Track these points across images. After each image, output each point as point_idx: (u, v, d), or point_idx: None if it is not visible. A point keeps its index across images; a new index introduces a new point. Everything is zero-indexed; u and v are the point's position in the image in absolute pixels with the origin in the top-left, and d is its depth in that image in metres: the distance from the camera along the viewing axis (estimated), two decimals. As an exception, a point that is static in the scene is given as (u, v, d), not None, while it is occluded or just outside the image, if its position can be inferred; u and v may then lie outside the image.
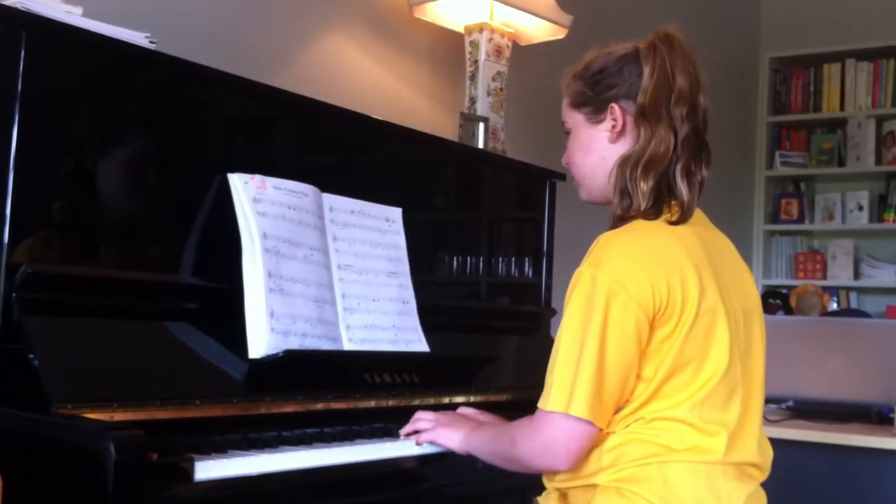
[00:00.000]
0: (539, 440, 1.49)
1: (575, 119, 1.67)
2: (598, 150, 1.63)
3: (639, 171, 1.55)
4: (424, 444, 1.76)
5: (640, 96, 1.56)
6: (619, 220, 1.57)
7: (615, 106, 1.60)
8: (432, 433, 1.74)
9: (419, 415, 1.79)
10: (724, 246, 1.66)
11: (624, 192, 1.57)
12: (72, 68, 1.69)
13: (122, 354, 1.62)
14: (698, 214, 1.63)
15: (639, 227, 1.55)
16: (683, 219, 1.55)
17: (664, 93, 1.55)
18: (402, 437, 1.77)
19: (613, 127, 1.60)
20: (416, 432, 1.77)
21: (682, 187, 1.55)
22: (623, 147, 1.60)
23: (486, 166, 2.68)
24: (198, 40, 2.29)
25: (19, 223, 1.58)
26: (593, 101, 1.63)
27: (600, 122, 1.62)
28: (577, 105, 1.65)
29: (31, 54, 1.59)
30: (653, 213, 1.55)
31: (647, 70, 1.57)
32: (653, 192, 1.55)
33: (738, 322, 1.55)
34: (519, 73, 3.12)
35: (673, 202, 1.56)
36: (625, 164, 1.57)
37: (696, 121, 1.57)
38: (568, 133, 1.70)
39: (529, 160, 2.79)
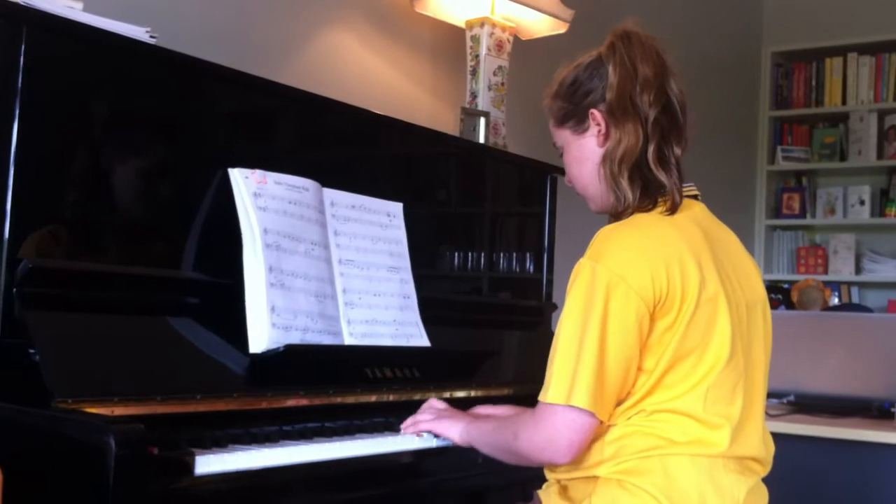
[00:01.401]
0: (541, 433, 1.49)
1: (563, 136, 1.69)
2: (590, 157, 1.64)
3: (615, 166, 1.58)
4: (426, 438, 1.76)
5: (608, 93, 1.59)
6: (617, 217, 1.60)
7: (594, 111, 1.62)
8: (433, 423, 1.75)
9: (422, 408, 1.80)
10: (729, 239, 1.66)
11: (613, 190, 1.59)
12: (72, 63, 1.69)
13: (122, 349, 1.62)
14: (701, 207, 1.64)
15: (637, 219, 1.56)
16: (675, 204, 1.56)
17: (628, 85, 1.58)
18: (402, 432, 1.78)
19: (599, 131, 1.62)
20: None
21: (659, 175, 1.57)
22: (606, 147, 1.61)
23: (487, 161, 2.68)
24: (198, 35, 2.29)
25: (20, 218, 1.58)
26: (574, 113, 1.65)
27: (585, 130, 1.64)
28: (562, 121, 1.68)
29: (32, 49, 1.59)
30: (647, 205, 1.57)
31: (610, 68, 1.59)
32: (634, 184, 1.57)
33: (740, 313, 1.56)
34: (520, 67, 3.12)
35: (668, 194, 1.57)
36: (605, 163, 1.60)
37: (665, 104, 1.59)
38: (562, 154, 1.71)
39: (531, 155, 2.78)
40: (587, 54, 1.66)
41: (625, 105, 1.57)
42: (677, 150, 1.60)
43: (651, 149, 1.57)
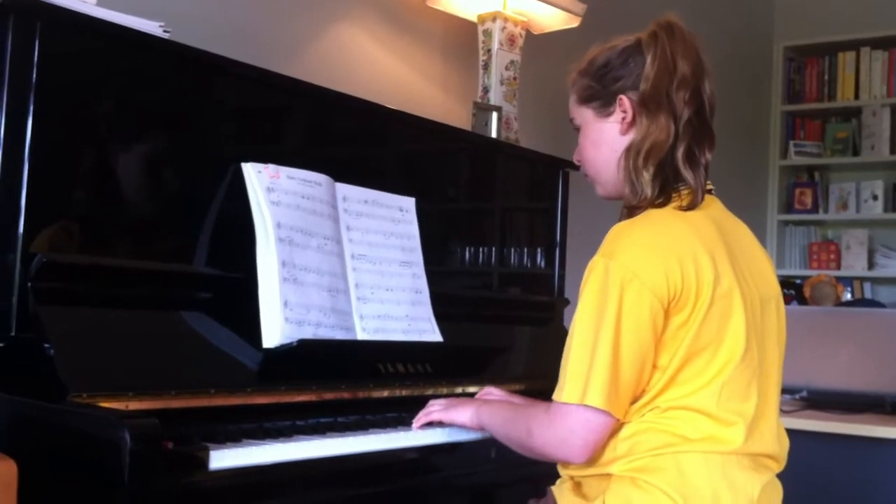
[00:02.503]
0: (556, 432, 1.49)
1: (584, 115, 1.67)
2: (608, 143, 1.63)
3: (640, 159, 1.56)
4: (438, 435, 1.76)
5: (643, 84, 1.57)
6: (630, 212, 1.58)
7: (623, 98, 1.60)
8: (442, 413, 1.75)
9: (429, 403, 1.80)
10: (742, 233, 1.65)
11: (631, 182, 1.57)
12: (86, 58, 1.69)
13: (136, 344, 1.63)
14: (714, 202, 1.63)
15: (651, 215, 1.55)
16: (693, 204, 1.55)
17: (665, 79, 1.56)
18: (415, 426, 1.78)
19: (623, 119, 1.60)
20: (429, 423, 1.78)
21: (686, 173, 1.56)
22: (632, 138, 1.59)
23: (499, 156, 2.67)
24: (211, 29, 2.29)
25: (34, 213, 1.58)
26: (601, 95, 1.63)
27: (609, 115, 1.62)
28: (585, 100, 1.66)
29: (46, 44, 1.60)
30: (662, 201, 1.55)
31: (648, 58, 1.57)
32: (656, 180, 1.55)
33: (754, 309, 1.55)
34: (532, 62, 3.11)
35: (682, 189, 1.56)
36: (628, 154, 1.58)
37: (698, 105, 1.57)
38: (577, 130, 1.70)
39: (543, 149, 2.78)
40: (623, 38, 1.63)
41: (659, 99, 1.55)
42: (709, 155, 1.58)
43: (681, 148, 1.55)
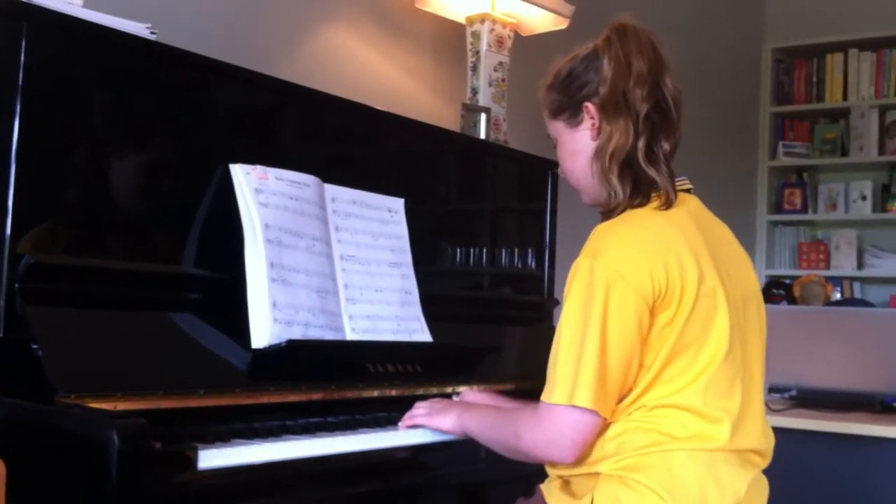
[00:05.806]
0: (544, 434, 1.49)
1: (557, 128, 1.69)
2: (583, 151, 1.64)
3: (605, 162, 1.58)
4: (428, 434, 1.76)
5: (602, 88, 1.59)
6: (607, 216, 1.59)
7: (589, 105, 1.61)
8: (426, 418, 1.76)
9: (415, 406, 1.80)
10: (723, 232, 1.66)
11: (604, 186, 1.59)
12: (73, 59, 1.69)
13: (125, 344, 1.62)
14: (693, 200, 1.64)
15: (633, 215, 1.56)
16: (669, 201, 1.56)
17: (622, 79, 1.57)
18: (401, 429, 1.78)
19: (592, 125, 1.62)
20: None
21: (649, 171, 1.57)
22: (599, 142, 1.61)
23: (488, 157, 2.67)
24: (199, 31, 2.29)
25: (22, 214, 1.58)
26: (568, 106, 1.65)
27: (579, 124, 1.64)
28: (556, 114, 1.68)
29: (32, 45, 1.59)
30: (638, 201, 1.56)
31: (605, 62, 1.59)
32: (625, 180, 1.57)
33: (737, 307, 1.56)
34: (521, 63, 3.12)
35: (660, 189, 1.57)
36: (596, 158, 1.60)
37: (657, 99, 1.58)
38: (555, 146, 1.71)
39: (531, 151, 2.78)
40: (584, 47, 1.65)
41: (617, 100, 1.57)
42: (666, 146, 1.59)
43: (640, 145, 1.57)
